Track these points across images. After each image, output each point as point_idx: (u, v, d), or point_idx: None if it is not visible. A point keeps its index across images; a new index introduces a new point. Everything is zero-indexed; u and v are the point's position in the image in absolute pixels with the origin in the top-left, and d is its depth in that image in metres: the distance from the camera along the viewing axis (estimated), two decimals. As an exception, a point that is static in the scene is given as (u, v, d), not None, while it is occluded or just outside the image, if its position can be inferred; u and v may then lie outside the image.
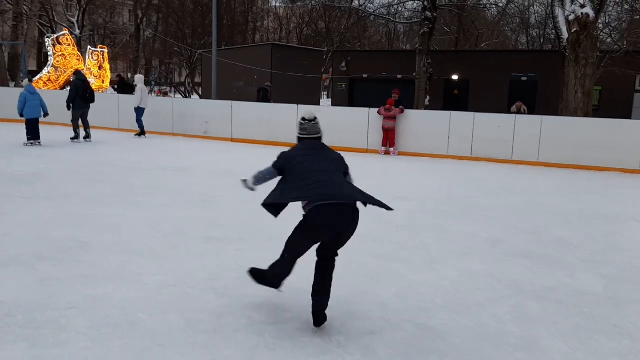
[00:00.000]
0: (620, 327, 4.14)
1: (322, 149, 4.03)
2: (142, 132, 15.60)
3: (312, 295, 3.85)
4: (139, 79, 16.15)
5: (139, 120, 15.56)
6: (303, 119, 4.14)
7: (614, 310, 4.45)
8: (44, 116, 13.47)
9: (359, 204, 3.77)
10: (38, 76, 24.08)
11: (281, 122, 15.08)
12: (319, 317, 3.79)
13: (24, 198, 7.48)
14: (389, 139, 13.99)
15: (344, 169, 4.00)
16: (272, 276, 4.07)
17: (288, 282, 4.68)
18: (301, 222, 3.75)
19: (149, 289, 4.46)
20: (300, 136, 4.11)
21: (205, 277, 4.76)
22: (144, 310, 4.04)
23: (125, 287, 4.45)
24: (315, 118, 4.14)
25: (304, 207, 3.75)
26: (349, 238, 3.81)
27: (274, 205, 3.84)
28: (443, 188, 9.81)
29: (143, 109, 15.55)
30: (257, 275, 4.18)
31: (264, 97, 17.76)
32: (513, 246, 6.19)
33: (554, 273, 5.30)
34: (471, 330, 3.93)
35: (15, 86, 27.51)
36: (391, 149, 14.03)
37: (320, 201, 3.58)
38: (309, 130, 4.09)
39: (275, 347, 3.55)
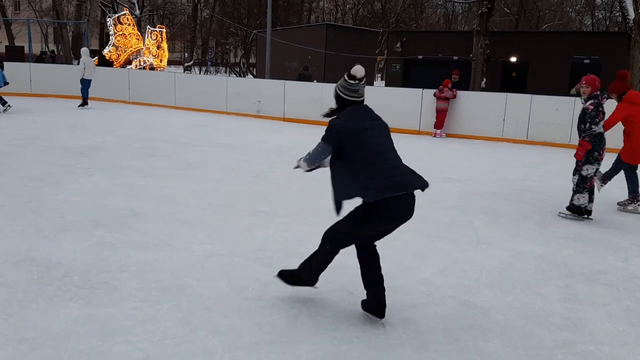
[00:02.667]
0: (674, 313, 4.00)
1: (377, 117, 3.49)
2: (84, 102, 16.02)
3: (369, 287, 3.53)
4: (84, 51, 16.47)
5: (83, 91, 16.00)
6: (352, 77, 3.43)
7: (669, 296, 4.29)
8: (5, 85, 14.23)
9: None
10: (104, 51, 24.85)
11: (333, 102, 15.04)
12: (383, 307, 3.48)
13: (82, 169, 7.79)
14: (439, 120, 13.76)
15: None
16: (308, 272, 3.67)
17: (338, 258, 4.74)
18: (366, 210, 3.29)
19: (198, 256, 4.59)
20: (348, 98, 3.41)
21: (252, 247, 4.86)
22: (192, 276, 4.17)
23: (175, 254, 4.59)
24: (364, 77, 3.46)
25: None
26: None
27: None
28: (495, 170, 9.61)
29: (88, 80, 16.01)
30: (288, 277, 3.76)
31: (304, 77, 17.97)
32: (565, 229, 6.04)
33: (607, 257, 5.15)
34: (515, 309, 3.88)
35: (79, 64, 28.51)
36: (438, 131, 13.80)
37: (401, 191, 3.24)
38: (360, 93, 3.42)
39: (317, 316, 3.61)
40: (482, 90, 19.33)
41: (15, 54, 27.13)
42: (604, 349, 3.39)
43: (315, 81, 18.44)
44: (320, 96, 15.47)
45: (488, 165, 10.25)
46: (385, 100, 13.75)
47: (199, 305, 3.67)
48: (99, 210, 5.78)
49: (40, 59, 25.53)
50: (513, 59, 24.07)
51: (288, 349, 3.15)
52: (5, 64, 16.21)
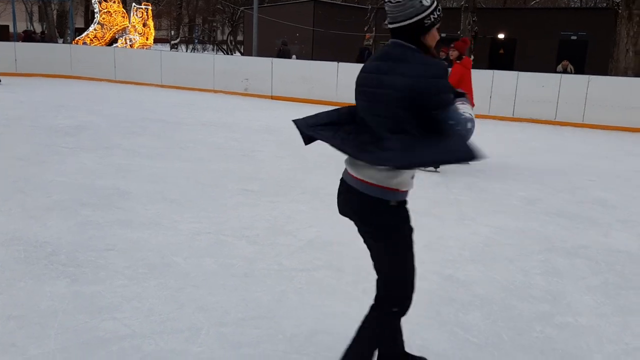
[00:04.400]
0: (651, 285, 4.10)
1: None
2: None
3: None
4: None
5: None
6: None
7: (647, 269, 4.39)
8: None
9: None
10: (85, 33, 24.53)
11: (321, 80, 15.05)
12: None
13: (69, 149, 7.76)
14: None
15: None
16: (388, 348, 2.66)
17: (319, 233, 4.81)
18: (398, 216, 2.36)
19: (185, 235, 4.63)
20: (434, 20, 2.29)
21: (240, 226, 4.90)
22: (179, 254, 4.21)
23: (162, 233, 4.63)
24: None
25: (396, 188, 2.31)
26: None
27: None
28: (481, 147, 9.67)
29: None
30: None
31: (283, 54, 17.73)
32: (549, 205, 6.12)
33: (588, 232, 5.25)
34: (496, 282, 3.96)
35: (64, 42, 28.15)
36: None
37: None
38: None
39: (303, 292, 3.67)
40: (470, 67, 19.36)
41: (0, 33, 26.71)
42: (581, 320, 3.48)
43: (294, 57, 18.32)
44: (308, 74, 15.42)
45: (475, 142, 10.29)
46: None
47: (186, 282, 3.71)
48: (85, 189, 5.78)
49: (30, 37, 25.16)
50: (501, 36, 24.05)
51: (273, 324, 3.20)
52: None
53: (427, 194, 6.30)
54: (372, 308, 2.48)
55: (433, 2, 2.30)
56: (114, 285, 3.60)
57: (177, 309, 3.32)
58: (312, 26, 27.72)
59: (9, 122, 9.69)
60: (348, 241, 4.52)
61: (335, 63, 15.11)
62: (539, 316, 3.49)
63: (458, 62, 8.04)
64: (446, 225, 5.24)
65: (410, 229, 2.41)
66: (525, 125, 12.64)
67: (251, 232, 4.75)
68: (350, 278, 3.90)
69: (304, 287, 3.74)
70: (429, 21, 2.27)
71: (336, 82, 14.82)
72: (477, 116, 13.74)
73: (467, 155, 2.15)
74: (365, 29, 31.54)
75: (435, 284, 3.89)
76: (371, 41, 34.94)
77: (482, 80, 13.62)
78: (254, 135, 9.72)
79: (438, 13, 2.30)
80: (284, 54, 17.64)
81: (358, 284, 3.80)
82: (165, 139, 8.86)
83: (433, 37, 2.31)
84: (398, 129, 2.18)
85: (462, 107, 2.24)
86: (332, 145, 2.35)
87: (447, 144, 2.17)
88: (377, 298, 2.47)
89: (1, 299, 3.36)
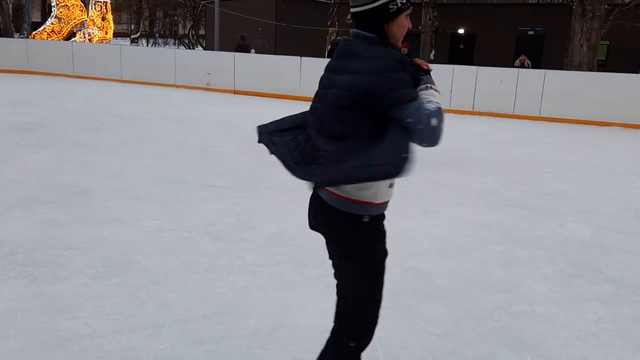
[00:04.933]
0: (604, 273, 4.25)
1: None
2: None
3: None
4: None
5: None
6: None
7: (600, 258, 4.55)
8: None
9: None
10: (42, 27, 23.90)
11: (285, 74, 15.04)
12: None
13: (27, 146, 7.58)
14: None
15: None
16: None
17: (283, 228, 4.83)
18: (371, 234, 2.11)
19: (147, 232, 4.58)
20: (401, 6, 1.99)
21: (203, 222, 4.88)
22: (141, 251, 4.17)
23: (123, 231, 4.57)
24: None
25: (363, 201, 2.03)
26: None
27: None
28: (442, 141, 9.82)
29: None
30: None
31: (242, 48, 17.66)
32: (508, 197, 6.27)
33: (545, 222, 5.39)
34: (457, 273, 4.05)
35: (20, 37, 27.38)
36: None
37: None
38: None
39: (265, 287, 3.68)
40: (431, 62, 19.58)
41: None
42: (537, 308, 3.59)
43: (253, 51, 18.27)
44: (271, 69, 15.37)
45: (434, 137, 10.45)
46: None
47: (148, 280, 3.69)
48: (45, 187, 5.67)
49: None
50: (461, 31, 24.41)
51: (236, 319, 3.21)
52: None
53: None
54: (328, 342, 2.20)
55: None
56: (74, 284, 3.55)
57: (139, 307, 3.30)
58: (275, 20, 27.60)
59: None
60: (311, 236, 4.55)
61: (298, 58, 15.10)
62: (497, 306, 3.59)
63: None
64: (408, 217, 5.32)
65: (385, 252, 2.14)
66: (484, 118, 12.89)
67: (214, 228, 4.74)
68: (313, 272, 3.93)
69: (267, 282, 3.75)
70: (395, 6, 1.95)
71: (299, 77, 14.82)
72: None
73: (391, 170, 1.84)
74: (329, 23, 31.57)
75: (397, 275, 3.94)
76: (334, 36, 34.98)
77: (443, 75, 13.82)
78: (216, 130, 9.65)
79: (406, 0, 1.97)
80: (243, 48, 17.55)
81: (321, 278, 3.83)
82: (126, 135, 8.72)
83: (400, 26, 2.00)
84: (342, 134, 1.91)
85: (427, 97, 1.92)
86: (274, 154, 2.08)
87: (372, 156, 1.83)
88: (333, 330, 2.19)
89: (-44, 300, 3.28)
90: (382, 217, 2.12)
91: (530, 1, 38.03)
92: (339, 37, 20.18)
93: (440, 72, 14.18)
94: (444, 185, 6.67)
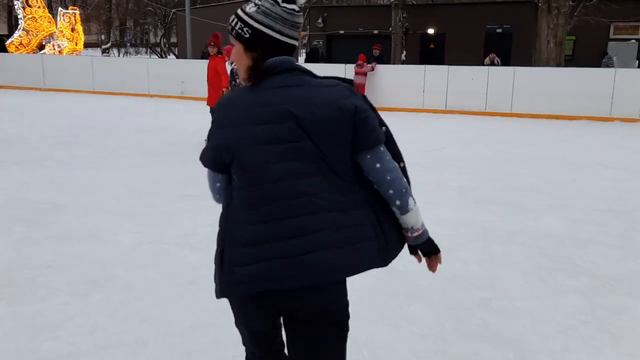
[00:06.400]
0: (580, 265, 4.34)
1: None
2: None
3: None
4: None
5: None
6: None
7: (575, 251, 4.65)
8: None
9: None
10: (9, 40, 23.49)
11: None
12: None
13: (-2, 163, 7.47)
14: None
15: None
16: None
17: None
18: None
19: (126, 246, 4.55)
20: (290, 42, 1.82)
21: (182, 233, 4.87)
22: (120, 266, 4.14)
23: (102, 246, 4.54)
24: None
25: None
26: None
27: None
28: (416, 141, 9.93)
29: None
30: None
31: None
32: (481, 194, 6.37)
33: (520, 218, 5.49)
34: (437, 273, 4.08)
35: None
36: None
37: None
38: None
39: (248, 296, 3.68)
40: (403, 63, 19.75)
41: None
42: (516, 303, 3.66)
43: None
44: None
45: (409, 136, 10.54)
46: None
47: (129, 295, 3.67)
48: (18, 205, 5.59)
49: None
50: (431, 31, 24.65)
51: (221, 330, 3.21)
52: None
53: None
54: None
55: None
56: (54, 303, 3.52)
57: (122, 323, 3.28)
58: (246, 26, 27.55)
59: None
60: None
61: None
62: (478, 303, 3.65)
63: (219, 55, 8.94)
64: (386, 220, 5.36)
65: None
66: (457, 117, 13.05)
67: (194, 239, 4.72)
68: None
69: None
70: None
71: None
72: (412, 110, 14.00)
73: None
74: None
75: (378, 278, 3.97)
76: (305, 39, 34.99)
77: (415, 75, 13.98)
78: (190, 138, 9.61)
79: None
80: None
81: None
82: (99, 148, 8.64)
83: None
84: None
85: None
86: None
87: None
88: None
89: None
90: None
91: (497, -1, 38.56)
92: (317, 42, 20.29)
93: (412, 72, 14.39)
94: (419, 184, 6.67)
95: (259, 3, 1.77)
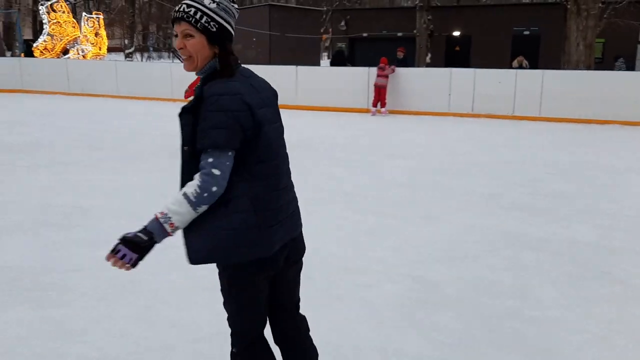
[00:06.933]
0: (612, 274, 4.23)
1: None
2: None
3: None
4: None
5: None
6: None
7: (607, 258, 4.53)
8: None
9: None
10: (34, 45, 23.89)
11: (280, 84, 15.00)
12: None
13: (24, 167, 7.55)
14: (381, 98, 13.86)
15: None
16: None
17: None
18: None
19: (152, 251, 4.54)
20: (231, 30, 2.01)
21: (207, 237, 4.85)
22: (147, 270, 4.10)
23: (128, 249, 4.53)
24: None
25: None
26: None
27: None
28: (442, 145, 9.83)
29: None
30: None
31: None
32: (510, 200, 6.26)
33: (549, 224, 5.38)
34: (466, 281, 4.02)
35: (12, 55, 27.38)
36: (382, 109, 13.90)
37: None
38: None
39: (274, 302, 3.65)
40: (427, 65, 19.61)
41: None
42: (548, 313, 3.56)
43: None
44: (266, 79, 15.37)
45: (435, 140, 10.46)
46: (331, 79, 13.85)
47: (155, 300, 3.66)
48: (45, 209, 5.63)
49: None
50: (456, 33, 24.46)
51: (247, 337, 3.18)
52: None
53: (391, 194, 6.37)
54: (301, 317, 2.64)
55: None
56: (82, 307, 3.52)
57: (149, 328, 3.27)
58: (269, 30, 27.67)
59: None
60: (316, 249, 4.54)
61: (294, 67, 15.11)
62: (508, 312, 3.56)
63: None
64: (413, 225, 5.30)
65: None
66: (484, 121, 12.89)
67: (219, 244, 4.70)
68: (321, 286, 3.90)
69: (276, 297, 3.72)
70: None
71: (296, 86, 14.83)
72: (437, 114, 13.96)
73: None
74: (322, 30, 31.59)
75: (406, 286, 3.93)
76: (328, 42, 34.99)
77: (440, 78, 13.85)
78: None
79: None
80: None
81: (331, 291, 3.81)
82: (124, 152, 8.71)
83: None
84: None
85: None
86: None
87: None
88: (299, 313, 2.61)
89: (-37, 329, 3.25)
90: None
91: (524, 1, 38.19)
92: (340, 46, 20.34)
93: (437, 76, 14.27)
94: (446, 190, 6.65)
95: (213, 0, 1.96)
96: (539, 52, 21.50)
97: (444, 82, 13.66)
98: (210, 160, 1.93)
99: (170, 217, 2.02)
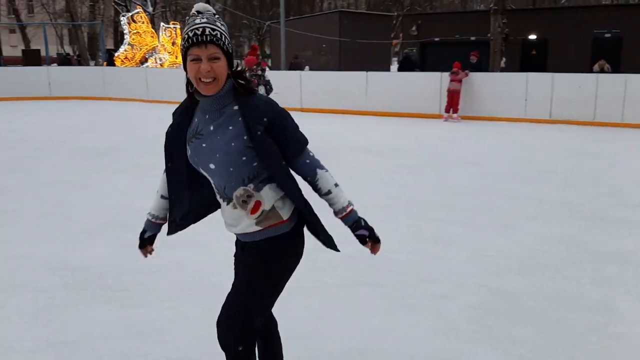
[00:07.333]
0: None
1: None
2: None
3: None
4: None
5: None
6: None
7: (702, 274, 4.24)
8: None
9: None
10: (115, 54, 25.04)
11: (350, 90, 15.08)
12: None
13: (106, 171, 7.90)
14: (454, 103, 13.59)
15: None
16: None
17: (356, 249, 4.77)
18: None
19: (229, 254, 4.62)
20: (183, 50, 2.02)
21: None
22: (224, 273, 4.19)
23: (206, 253, 4.65)
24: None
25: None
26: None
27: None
28: (517, 152, 9.54)
29: None
30: None
31: (295, 67, 18.55)
32: (590, 209, 5.99)
33: (633, 236, 5.09)
34: (546, 294, 3.86)
35: (95, 65, 28.81)
36: (454, 115, 13.62)
37: None
38: None
39: (346, 309, 3.63)
40: (502, 70, 19.10)
41: (32, 57, 27.51)
42: (636, 329, 3.37)
43: (307, 68, 18.75)
44: (336, 85, 15.45)
45: (510, 146, 10.16)
46: (401, 84, 13.76)
47: (230, 303, 3.71)
48: (126, 212, 5.86)
49: (67, 60, 25.88)
50: (532, 37, 23.69)
51: (319, 344, 3.18)
52: (23, 68, 16.40)
53: (465, 202, 6.22)
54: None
55: (186, 29, 2.01)
56: (162, 307, 3.63)
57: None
58: (339, 36, 27.79)
59: (45, 146, 9.93)
60: (387, 257, 4.49)
61: (364, 73, 15.10)
62: (593, 328, 3.39)
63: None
64: (488, 234, 5.15)
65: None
66: (562, 127, 12.41)
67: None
68: (393, 294, 3.86)
69: (347, 305, 3.71)
70: (183, 49, 2.04)
71: (365, 92, 14.81)
72: (513, 119, 13.53)
73: None
74: (392, 35, 31.41)
75: (483, 297, 3.81)
76: (398, 47, 34.74)
77: (516, 83, 13.46)
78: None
79: (183, 43, 2.02)
80: (295, 66, 18.12)
81: (405, 300, 3.76)
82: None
83: (190, 71, 2.04)
84: None
85: None
86: None
87: None
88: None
89: (53, 325, 3.41)
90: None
91: (604, 2, 36.55)
92: (409, 50, 20.20)
93: (513, 80, 13.87)
94: (522, 198, 6.43)
95: (221, 21, 2.04)
96: (621, 55, 20.47)
97: (519, 87, 13.26)
98: (312, 154, 2.16)
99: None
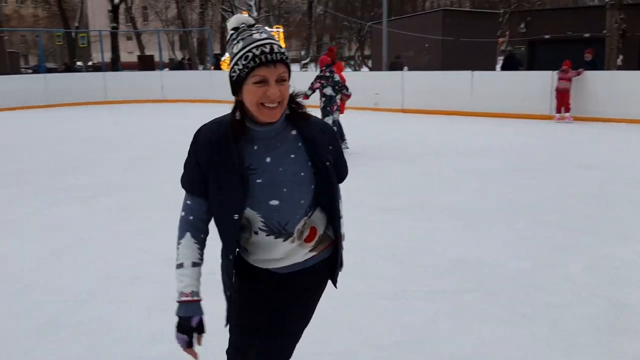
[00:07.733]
0: None
1: None
2: None
3: None
4: None
5: None
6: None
7: None
8: None
9: None
10: (222, 58, 26.04)
11: (454, 89, 14.73)
12: None
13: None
14: (564, 102, 12.86)
15: None
16: None
17: (465, 253, 4.62)
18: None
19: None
20: (239, 72, 1.76)
21: (382, 244, 4.86)
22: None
23: (308, 252, 4.70)
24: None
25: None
26: None
27: None
28: (637, 155, 8.88)
29: None
30: None
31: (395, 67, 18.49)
32: None
33: None
34: (676, 310, 3.54)
35: (204, 69, 30.14)
36: (566, 115, 12.89)
37: None
38: None
39: (455, 316, 3.52)
40: (619, 68, 17.87)
41: (147, 62, 29.40)
42: None
43: (406, 68, 18.50)
44: (440, 85, 15.14)
45: (627, 149, 9.48)
46: (508, 84, 13.28)
47: (335, 302, 3.71)
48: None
49: (180, 65, 27.52)
50: (652, 32, 21.99)
51: (431, 350, 3.11)
52: (138, 72, 17.52)
53: (582, 208, 5.87)
54: None
55: (245, 46, 1.71)
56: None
57: (329, 330, 3.32)
58: (442, 35, 27.25)
59: (160, 147, 10.49)
60: (500, 263, 4.33)
61: (469, 72, 14.69)
62: None
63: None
64: (607, 243, 4.82)
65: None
66: (688, 128, 11.44)
67: (395, 251, 4.69)
68: (504, 302, 3.70)
69: (457, 311, 3.60)
70: (234, 74, 1.74)
71: (470, 92, 14.39)
72: (633, 121, 12.61)
73: None
74: (499, 33, 30.37)
75: (602, 309, 3.56)
76: (504, 46, 33.56)
77: (634, 82, 12.56)
78: (384, 150, 9.68)
79: (244, 62, 1.70)
80: (395, 67, 18.00)
81: (516, 308, 3.59)
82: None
83: (249, 95, 1.72)
84: None
85: None
86: None
87: None
88: None
89: (169, 316, 3.56)
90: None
91: None
92: (514, 48, 19.44)
93: (631, 79, 12.94)
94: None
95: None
96: None
97: (638, 87, 12.35)
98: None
99: None
